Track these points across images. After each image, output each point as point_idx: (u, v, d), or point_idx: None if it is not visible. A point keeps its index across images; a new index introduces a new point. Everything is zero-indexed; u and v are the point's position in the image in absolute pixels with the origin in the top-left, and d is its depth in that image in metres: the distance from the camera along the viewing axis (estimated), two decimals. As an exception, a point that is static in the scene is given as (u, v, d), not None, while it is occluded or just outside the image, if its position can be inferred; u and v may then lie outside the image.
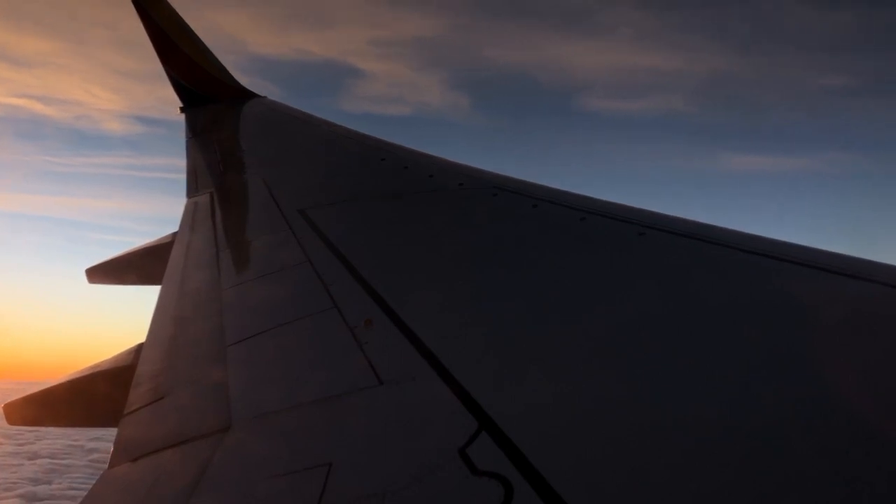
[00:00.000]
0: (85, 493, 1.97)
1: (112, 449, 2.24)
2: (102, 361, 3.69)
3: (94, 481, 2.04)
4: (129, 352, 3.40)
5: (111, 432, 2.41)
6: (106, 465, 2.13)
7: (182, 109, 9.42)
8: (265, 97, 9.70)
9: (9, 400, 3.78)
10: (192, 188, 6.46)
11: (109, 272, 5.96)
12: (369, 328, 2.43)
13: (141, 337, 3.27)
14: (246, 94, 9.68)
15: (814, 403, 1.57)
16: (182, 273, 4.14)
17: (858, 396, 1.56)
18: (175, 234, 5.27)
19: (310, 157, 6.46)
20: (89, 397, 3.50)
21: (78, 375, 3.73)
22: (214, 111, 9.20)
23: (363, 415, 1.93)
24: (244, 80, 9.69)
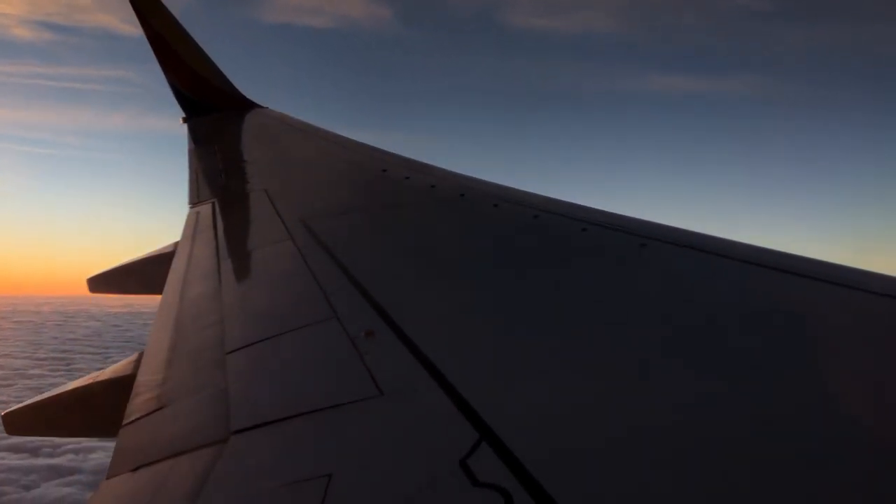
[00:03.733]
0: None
1: (111, 458, 2.24)
2: (102, 371, 3.69)
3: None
4: (129, 361, 3.40)
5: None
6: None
7: (184, 119, 9.47)
8: (267, 108, 9.75)
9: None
10: (194, 197, 6.49)
11: (111, 281, 5.99)
12: (370, 338, 2.43)
13: (141, 346, 3.27)
14: (248, 105, 9.74)
15: (816, 412, 1.57)
16: (184, 282, 4.15)
17: (856, 402, 1.56)
18: (177, 243, 5.28)
19: (311, 168, 6.49)
20: (89, 407, 3.50)
21: (78, 385, 3.72)
22: (216, 121, 9.24)
23: (363, 425, 1.93)
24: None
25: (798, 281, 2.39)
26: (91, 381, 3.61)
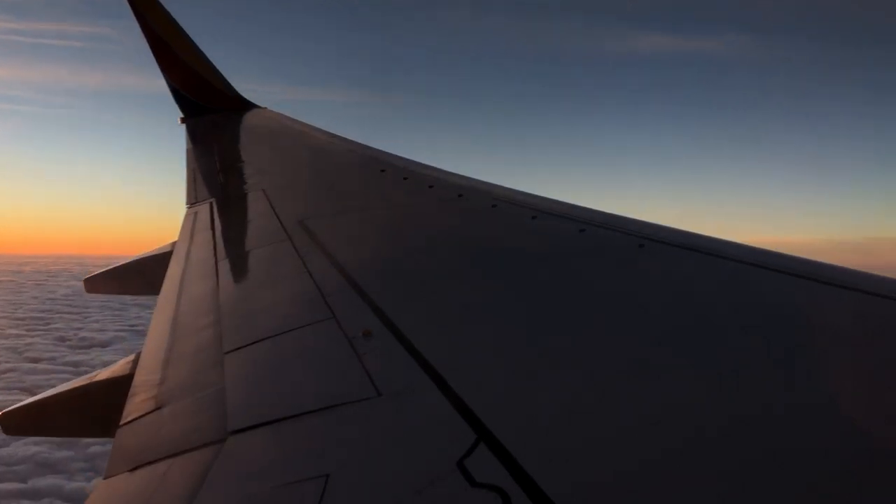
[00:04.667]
0: None
1: (108, 458, 2.24)
2: (100, 371, 3.69)
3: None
4: (127, 361, 3.40)
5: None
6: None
7: (182, 119, 9.48)
8: (265, 108, 9.77)
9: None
10: (192, 197, 6.49)
11: (108, 281, 6.00)
12: (368, 339, 2.43)
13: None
14: (246, 105, 9.75)
15: (814, 412, 1.57)
16: (181, 282, 4.15)
17: (854, 403, 1.57)
18: (174, 243, 5.28)
19: (310, 168, 6.49)
20: (87, 407, 3.50)
21: (76, 385, 3.72)
22: (214, 121, 9.24)
23: (361, 426, 1.92)
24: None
25: (796, 282, 2.40)
26: (89, 381, 3.61)
